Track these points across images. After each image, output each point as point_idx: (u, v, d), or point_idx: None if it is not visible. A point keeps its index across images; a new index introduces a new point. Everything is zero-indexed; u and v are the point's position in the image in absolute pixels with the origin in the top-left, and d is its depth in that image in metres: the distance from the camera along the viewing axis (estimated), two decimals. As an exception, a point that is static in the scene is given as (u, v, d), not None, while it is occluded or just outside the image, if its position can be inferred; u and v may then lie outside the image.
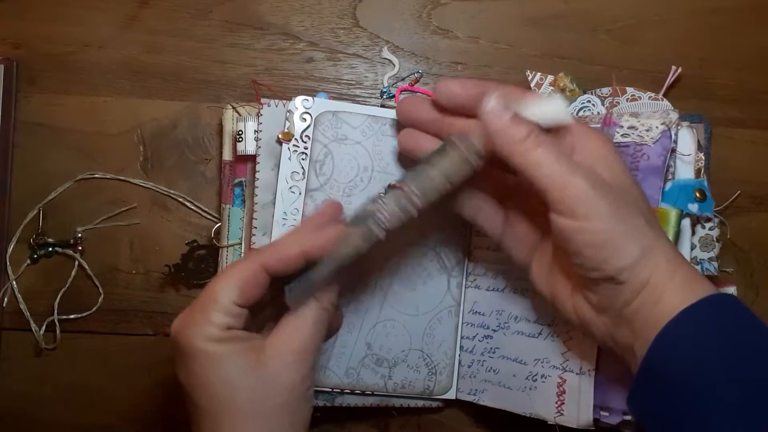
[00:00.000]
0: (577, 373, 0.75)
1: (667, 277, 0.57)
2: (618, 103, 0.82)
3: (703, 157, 0.79)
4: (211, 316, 0.61)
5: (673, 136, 0.75)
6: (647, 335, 0.57)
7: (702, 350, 0.54)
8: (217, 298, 0.62)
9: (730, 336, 0.55)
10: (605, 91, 0.83)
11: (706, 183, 0.78)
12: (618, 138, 0.76)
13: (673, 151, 0.76)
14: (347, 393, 0.81)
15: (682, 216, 0.74)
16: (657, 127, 0.75)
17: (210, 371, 0.61)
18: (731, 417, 0.52)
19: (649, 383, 0.57)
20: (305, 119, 0.76)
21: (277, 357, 0.62)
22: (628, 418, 0.75)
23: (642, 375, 0.58)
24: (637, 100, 0.82)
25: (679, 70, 0.86)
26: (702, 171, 0.78)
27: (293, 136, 0.76)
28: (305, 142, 0.76)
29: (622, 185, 0.60)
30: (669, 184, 0.76)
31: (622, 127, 0.76)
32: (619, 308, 0.59)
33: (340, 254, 0.63)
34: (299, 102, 0.76)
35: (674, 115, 0.76)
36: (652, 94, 0.83)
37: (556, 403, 0.76)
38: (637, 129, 0.76)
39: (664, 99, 0.83)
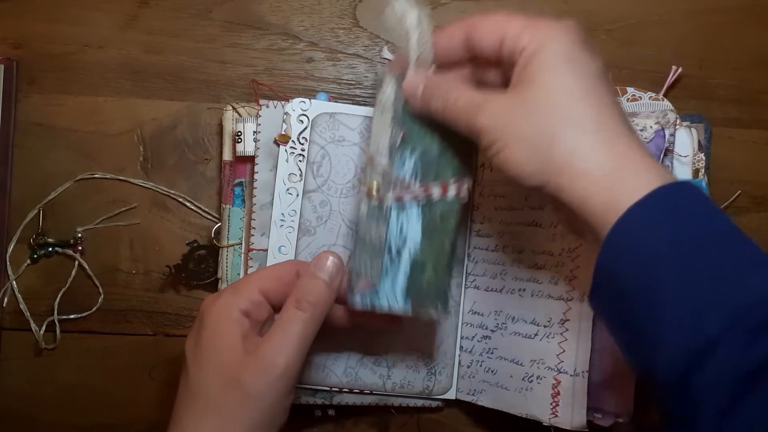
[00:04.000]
0: (571, 375, 0.75)
1: (610, 169, 0.55)
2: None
3: (704, 157, 0.79)
4: (236, 297, 0.66)
5: (668, 137, 0.75)
6: (593, 232, 0.56)
7: (652, 247, 0.53)
8: (248, 283, 0.67)
9: (681, 229, 0.53)
10: (605, 91, 0.83)
11: (704, 183, 0.78)
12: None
13: (671, 151, 0.76)
14: (346, 392, 0.82)
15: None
16: (651, 127, 0.75)
17: (208, 343, 0.64)
18: (676, 320, 0.51)
19: (604, 282, 0.56)
20: (302, 121, 0.76)
21: (254, 363, 0.63)
22: (621, 420, 0.75)
23: (597, 275, 0.57)
24: (637, 100, 0.82)
25: (679, 70, 0.86)
26: (700, 171, 0.78)
27: (290, 138, 0.76)
28: (302, 144, 0.76)
29: (544, 97, 0.58)
30: (666, 185, 0.76)
31: (618, 127, 0.76)
32: (566, 207, 0.58)
33: None
34: (296, 104, 0.76)
35: (672, 116, 0.76)
36: (653, 94, 0.82)
37: (551, 404, 0.76)
38: (631, 129, 0.76)
39: (665, 99, 0.82)
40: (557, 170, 0.57)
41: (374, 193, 0.67)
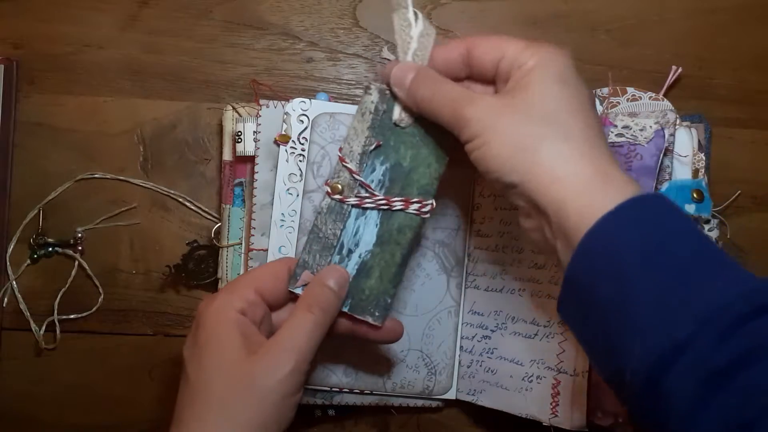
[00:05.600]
0: (571, 375, 0.75)
1: (590, 178, 0.57)
2: (618, 103, 0.82)
3: (704, 157, 0.79)
4: (232, 297, 0.67)
5: (668, 137, 0.75)
6: (566, 237, 0.57)
7: (624, 252, 0.54)
8: (243, 283, 0.68)
9: (652, 236, 0.54)
10: (605, 91, 0.83)
11: (704, 183, 0.78)
12: (612, 138, 0.76)
13: (670, 151, 0.76)
14: (346, 392, 0.82)
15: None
16: (651, 127, 0.75)
17: (206, 345, 0.65)
18: (647, 324, 0.52)
19: (575, 288, 0.58)
20: (302, 121, 0.76)
21: (265, 359, 0.64)
22: (621, 420, 0.75)
23: (566, 287, 0.58)
24: (637, 100, 0.82)
25: (680, 70, 0.86)
26: (700, 171, 0.78)
27: (290, 138, 0.76)
28: (302, 144, 0.76)
29: (536, 103, 0.60)
30: (666, 185, 0.76)
31: (616, 126, 0.76)
32: (537, 211, 0.60)
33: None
34: (296, 104, 0.76)
35: (671, 116, 0.76)
36: (653, 95, 0.83)
37: (551, 404, 0.76)
38: (630, 129, 0.76)
39: (665, 99, 0.82)
40: (537, 171, 0.58)
41: (338, 193, 0.70)
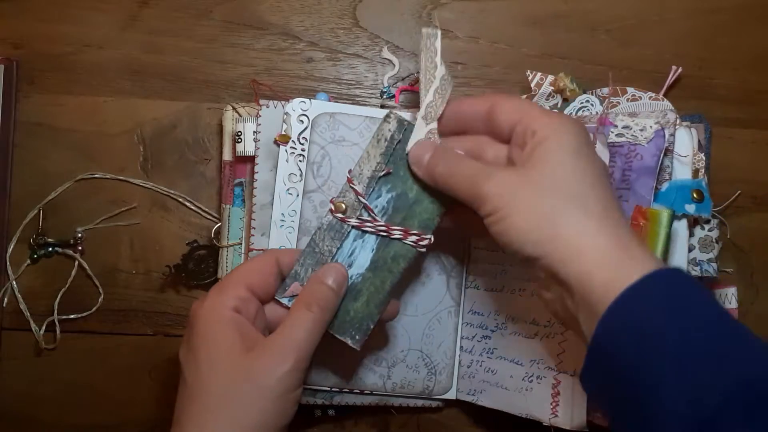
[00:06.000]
0: (571, 375, 0.75)
1: (613, 251, 0.58)
2: (618, 103, 0.82)
3: (704, 157, 0.79)
4: (223, 296, 0.67)
5: (668, 137, 0.75)
6: (589, 309, 0.58)
7: (651, 322, 0.55)
8: (232, 280, 0.69)
9: (679, 308, 0.55)
10: (605, 91, 0.83)
11: (704, 183, 0.77)
12: (612, 138, 0.76)
13: (670, 151, 0.76)
14: (346, 392, 0.82)
15: (674, 217, 0.74)
16: (651, 127, 0.75)
17: (202, 345, 0.65)
18: (675, 396, 0.52)
19: (597, 365, 0.58)
20: (302, 121, 0.76)
21: (264, 356, 0.64)
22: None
23: (590, 357, 0.58)
24: (637, 100, 0.82)
25: (680, 70, 0.86)
26: (700, 171, 0.78)
27: (290, 138, 0.76)
28: (302, 144, 0.76)
29: (553, 176, 0.61)
30: (666, 185, 0.76)
31: (616, 126, 0.76)
32: (558, 282, 0.60)
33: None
34: (296, 104, 0.76)
35: (672, 116, 0.76)
36: (653, 94, 0.82)
37: (551, 404, 0.76)
38: (631, 129, 0.75)
39: (665, 99, 0.82)
40: (559, 243, 0.59)
41: (340, 212, 0.71)
